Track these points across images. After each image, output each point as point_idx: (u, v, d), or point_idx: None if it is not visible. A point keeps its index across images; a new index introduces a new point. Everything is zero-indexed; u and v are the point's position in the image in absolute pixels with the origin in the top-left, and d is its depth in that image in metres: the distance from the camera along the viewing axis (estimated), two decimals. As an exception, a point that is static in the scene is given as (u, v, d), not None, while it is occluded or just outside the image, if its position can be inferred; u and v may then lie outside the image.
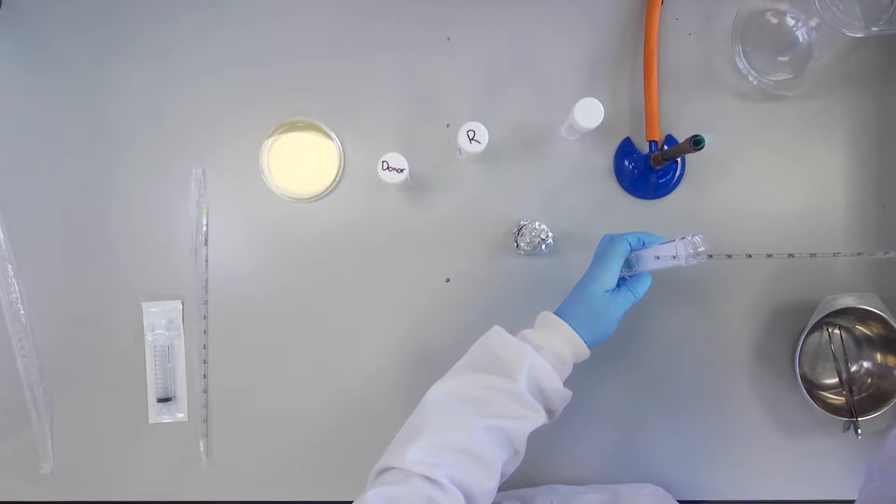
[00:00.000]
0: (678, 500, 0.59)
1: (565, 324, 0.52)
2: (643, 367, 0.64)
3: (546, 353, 0.51)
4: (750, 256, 0.54)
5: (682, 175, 0.63)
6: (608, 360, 0.62)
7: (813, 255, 0.54)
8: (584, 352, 0.52)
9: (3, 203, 0.64)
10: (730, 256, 0.54)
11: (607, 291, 0.53)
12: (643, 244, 0.54)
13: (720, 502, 0.64)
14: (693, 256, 0.50)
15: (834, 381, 0.63)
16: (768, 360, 0.63)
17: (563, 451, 0.64)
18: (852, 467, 0.63)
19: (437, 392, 0.51)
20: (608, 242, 0.54)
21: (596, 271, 0.53)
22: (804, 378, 0.61)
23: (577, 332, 0.52)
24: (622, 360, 0.63)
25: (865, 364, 0.63)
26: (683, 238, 0.50)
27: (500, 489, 0.54)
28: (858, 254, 0.61)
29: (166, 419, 0.64)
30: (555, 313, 0.54)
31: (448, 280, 0.64)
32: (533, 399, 0.49)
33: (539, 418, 0.50)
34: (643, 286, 0.54)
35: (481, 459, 0.46)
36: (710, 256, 0.50)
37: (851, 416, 0.59)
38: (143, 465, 0.64)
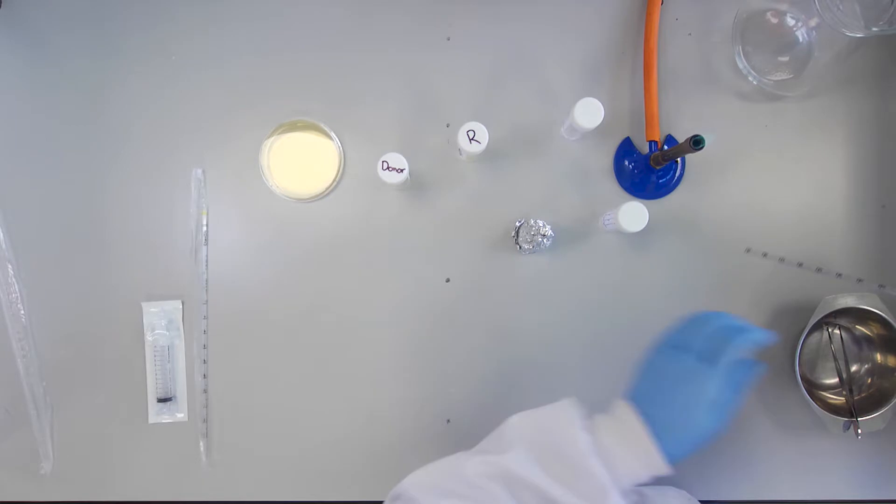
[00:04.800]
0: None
1: (661, 460, 0.43)
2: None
3: (626, 482, 0.44)
4: (766, 254, 0.52)
5: (682, 175, 0.63)
6: (615, 366, 0.62)
7: (819, 269, 0.54)
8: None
9: (3, 203, 0.64)
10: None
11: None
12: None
13: (720, 502, 0.64)
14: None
15: (834, 381, 0.63)
16: (768, 359, 0.63)
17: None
18: (852, 467, 0.63)
19: (501, 464, 0.44)
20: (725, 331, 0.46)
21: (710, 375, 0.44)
22: (804, 378, 0.61)
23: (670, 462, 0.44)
24: (627, 362, 0.63)
25: (865, 364, 0.63)
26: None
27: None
28: (858, 280, 0.59)
29: (166, 419, 0.64)
30: (648, 425, 0.44)
31: (448, 280, 0.64)
32: None
33: None
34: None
35: None
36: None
37: (851, 416, 0.59)
38: (143, 465, 0.64)
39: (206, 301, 0.64)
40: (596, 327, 0.63)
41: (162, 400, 0.64)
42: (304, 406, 0.64)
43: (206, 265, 0.64)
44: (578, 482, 0.43)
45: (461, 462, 0.46)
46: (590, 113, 0.55)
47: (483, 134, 0.56)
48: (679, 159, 0.62)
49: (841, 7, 0.52)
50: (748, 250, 0.54)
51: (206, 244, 0.64)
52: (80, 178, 0.64)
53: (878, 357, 0.62)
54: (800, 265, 0.54)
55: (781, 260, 0.55)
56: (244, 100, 0.64)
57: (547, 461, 0.44)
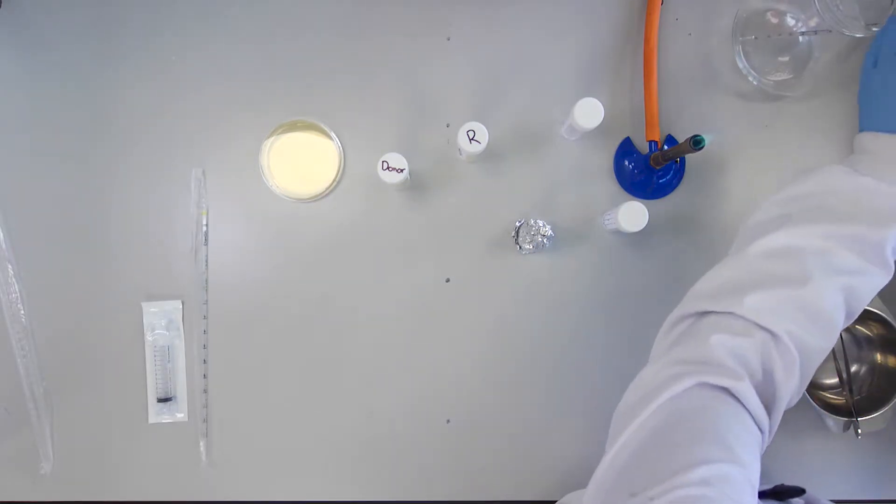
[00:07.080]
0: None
1: None
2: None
3: None
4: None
5: (682, 175, 0.63)
6: (615, 366, 0.62)
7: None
8: None
9: (3, 203, 0.64)
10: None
11: None
12: None
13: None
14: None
15: (834, 381, 0.63)
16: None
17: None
18: (852, 467, 0.63)
19: (774, 242, 0.43)
20: None
21: None
22: (804, 378, 0.61)
23: None
24: (627, 361, 0.63)
25: (865, 364, 0.63)
26: None
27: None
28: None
29: (166, 419, 0.64)
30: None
31: (448, 280, 0.64)
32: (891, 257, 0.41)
33: (887, 276, 0.42)
34: None
35: (823, 319, 0.41)
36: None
37: (851, 416, 0.59)
38: (143, 465, 0.64)
39: (206, 301, 0.64)
40: (596, 327, 0.63)
41: (162, 400, 0.64)
42: (304, 406, 0.64)
43: (206, 265, 0.64)
44: (857, 209, 0.41)
45: (740, 257, 0.45)
46: (590, 113, 0.55)
47: (483, 134, 0.56)
48: (679, 159, 0.62)
49: (841, 7, 0.52)
50: None
51: (206, 244, 0.64)
52: (80, 178, 0.64)
53: (878, 357, 0.62)
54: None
55: None
56: (244, 100, 0.64)
57: (822, 217, 0.43)
